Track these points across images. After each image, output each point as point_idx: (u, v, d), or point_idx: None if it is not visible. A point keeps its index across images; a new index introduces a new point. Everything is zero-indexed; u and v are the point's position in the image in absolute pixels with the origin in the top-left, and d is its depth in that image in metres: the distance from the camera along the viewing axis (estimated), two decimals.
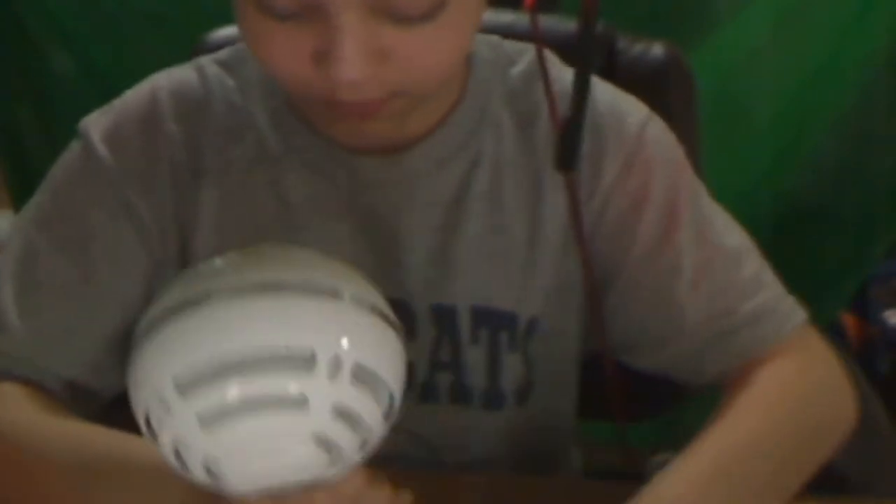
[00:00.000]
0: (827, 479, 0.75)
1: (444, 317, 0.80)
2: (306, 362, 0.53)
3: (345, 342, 0.54)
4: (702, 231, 0.80)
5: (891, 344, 1.77)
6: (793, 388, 0.77)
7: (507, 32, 0.83)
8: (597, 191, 0.80)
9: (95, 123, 0.80)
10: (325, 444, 0.54)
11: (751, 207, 1.56)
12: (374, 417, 0.55)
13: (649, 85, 0.86)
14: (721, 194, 0.83)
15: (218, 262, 0.59)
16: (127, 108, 0.81)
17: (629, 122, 0.80)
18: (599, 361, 0.81)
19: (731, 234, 0.82)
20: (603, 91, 0.82)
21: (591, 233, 0.80)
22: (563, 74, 0.80)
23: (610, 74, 0.87)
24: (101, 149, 0.78)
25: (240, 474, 0.54)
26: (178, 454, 0.55)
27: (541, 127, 0.81)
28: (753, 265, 0.81)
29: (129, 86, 0.83)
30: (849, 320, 1.79)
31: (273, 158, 0.79)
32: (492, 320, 0.81)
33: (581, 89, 0.72)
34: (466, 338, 0.81)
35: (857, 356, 1.73)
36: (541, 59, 0.77)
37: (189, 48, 0.99)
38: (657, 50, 1.02)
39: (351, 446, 0.55)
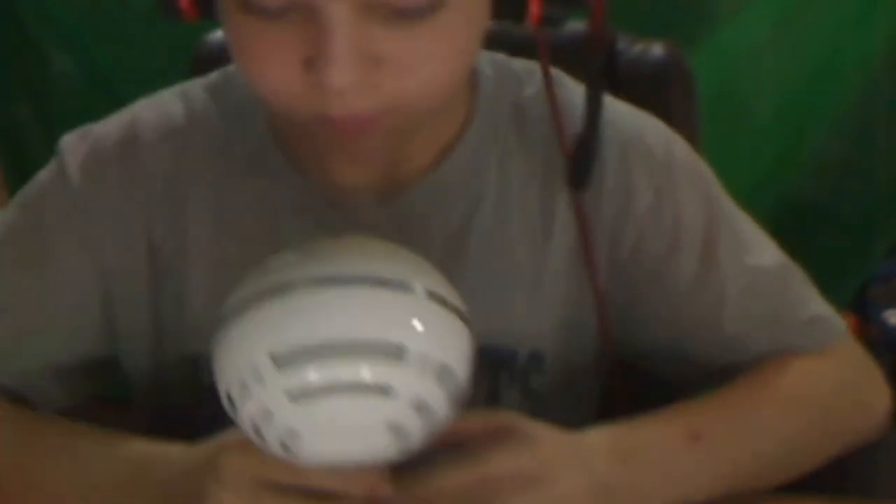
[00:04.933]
0: (827, 479, 0.75)
1: None
2: (396, 355, 0.55)
3: (433, 342, 0.57)
4: (741, 254, 0.78)
5: (891, 344, 1.77)
6: (821, 385, 0.77)
7: (506, 38, 0.82)
8: (629, 222, 0.76)
9: (73, 149, 0.77)
10: (399, 431, 0.57)
11: (751, 207, 1.55)
12: (445, 411, 0.58)
13: (649, 85, 0.86)
14: None
15: (309, 251, 0.60)
16: (106, 138, 0.78)
17: (655, 147, 0.78)
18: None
19: (767, 248, 0.80)
20: (622, 114, 0.78)
21: (627, 265, 0.77)
22: (572, 94, 0.77)
23: (610, 75, 0.87)
24: (76, 178, 0.76)
25: (314, 450, 0.57)
26: (257, 428, 0.57)
27: (552, 155, 0.76)
28: (794, 279, 0.80)
29: (129, 86, 0.82)
30: (849, 320, 1.78)
31: (263, 200, 0.76)
32: (491, 358, 0.77)
33: (593, 107, 0.70)
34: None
35: None
36: (548, 83, 0.73)
37: (189, 48, 0.99)
38: (657, 50, 1.02)
39: (420, 436, 0.58)
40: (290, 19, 0.60)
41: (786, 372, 0.76)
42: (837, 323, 0.81)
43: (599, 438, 0.69)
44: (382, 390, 0.55)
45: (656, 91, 0.84)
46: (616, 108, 0.78)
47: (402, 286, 0.57)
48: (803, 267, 0.82)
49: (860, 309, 1.79)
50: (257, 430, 0.57)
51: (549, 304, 0.77)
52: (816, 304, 0.80)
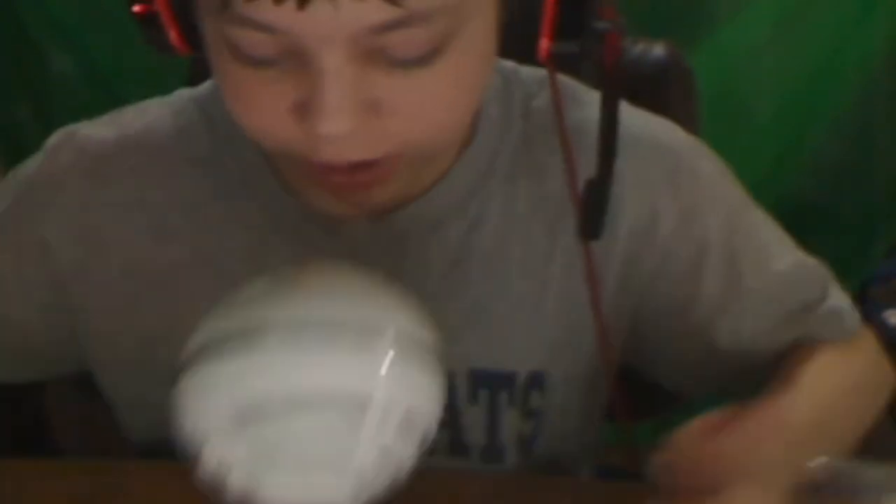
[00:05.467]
0: None
1: None
2: (361, 405, 0.54)
3: (399, 387, 0.55)
4: (763, 263, 0.78)
5: (891, 344, 1.76)
6: (846, 379, 0.78)
7: None
8: (651, 245, 0.75)
9: (58, 150, 0.76)
10: (363, 477, 0.56)
11: None
12: (410, 456, 0.57)
13: (649, 85, 0.86)
14: None
15: (273, 287, 0.58)
16: (88, 146, 0.76)
17: (679, 164, 0.76)
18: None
19: (786, 249, 0.80)
20: (642, 127, 0.75)
21: (648, 286, 0.77)
22: (586, 110, 0.73)
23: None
24: (52, 183, 0.75)
25: (275, 494, 0.56)
26: (216, 474, 0.56)
27: (560, 175, 0.72)
28: (812, 276, 0.81)
29: (129, 86, 0.82)
30: None
31: (252, 222, 0.74)
32: (491, 381, 0.76)
33: (606, 153, 0.65)
34: (464, 400, 0.76)
35: None
36: (562, 128, 0.69)
37: None
38: (657, 50, 1.02)
39: (383, 482, 0.57)
40: (282, 65, 0.57)
41: (812, 364, 0.76)
42: (856, 315, 0.83)
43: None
44: (346, 440, 0.54)
45: (656, 91, 0.84)
46: (636, 119, 0.76)
47: (371, 330, 0.55)
48: None
49: (860, 309, 1.79)
50: (218, 479, 0.56)
51: (549, 326, 0.76)
52: (833, 299, 0.81)
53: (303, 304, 0.55)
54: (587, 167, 0.67)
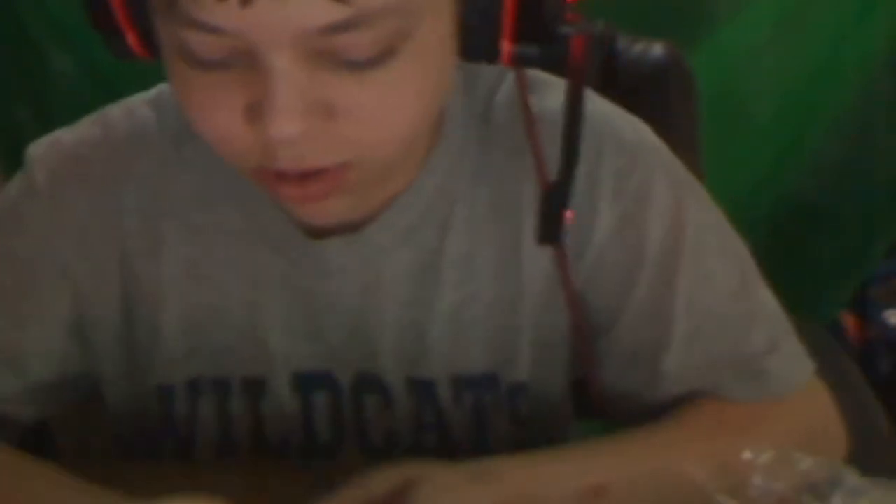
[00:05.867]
0: None
1: (422, 389, 0.76)
2: None
3: None
4: (700, 296, 0.73)
5: (891, 344, 1.77)
6: (744, 442, 0.70)
7: None
8: (589, 246, 0.72)
9: (41, 161, 0.74)
10: None
11: (751, 207, 1.56)
12: None
13: (649, 85, 0.86)
14: (721, 194, 0.83)
15: None
16: (75, 151, 0.74)
17: (632, 170, 0.72)
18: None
19: (740, 289, 0.74)
20: (607, 126, 0.72)
21: (585, 289, 0.74)
22: (546, 101, 0.71)
23: (610, 74, 0.87)
24: (45, 195, 0.74)
25: None
26: None
27: (522, 176, 0.71)
28: (761, 326, 0.74)
29: (129, 86, 0.82)
30: (849, 320, 1.78)
31: (238, 232, 0.73)
32: (472, 385, 0.76)
33: (569, 157, 0.63)
34: (449, 403, 0.76)
35: (857, 356, 1.73)
36: (528, 115, 0.69)
37: None
38: (657, 50, 1.02)
39: None
40: (232, 68, 0.57)
41: (717, 422, 0.72)
42: (792, 377, 0.75)
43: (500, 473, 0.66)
44: None
45: (656, 91, 0.83)
46: (603, 113, 0.74)
47: None
48: (803, 267, 0.82)
49: (860, 309, 1.79)
50: None
51: (525, 329, 0.75)
52: (776, 356, 0.74)
53: None
54: (550, 161, 0.67)
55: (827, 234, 1.65)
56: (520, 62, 0.60)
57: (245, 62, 0.56)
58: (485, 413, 0.77)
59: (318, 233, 0.72)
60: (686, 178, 0.75)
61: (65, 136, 0.76)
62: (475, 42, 0.60)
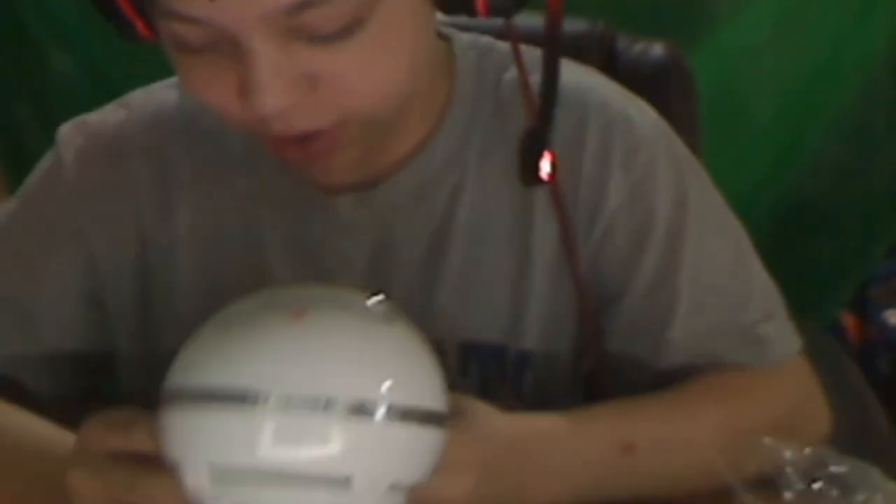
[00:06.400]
0: None
1: None
2: (343, 484, 0.54)
3: (385, 468, 0.55)
4: (704, 267, 0.77)
5: (891, 344, 1.77)
6: (755, 406, 0.75)
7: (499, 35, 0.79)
8: (599, 217, 0.76)
9: (70, 139, 0.79)
10: None
11: (751, 207, 1.56)
12: None
13: (649, 85, 0.86)
14: (721, 194, 0.83)
15: (272, 340, 0.56)
16: (100, 127, 0.79)
17: (640, 143, 0.76)
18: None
19: (738, 264, 0.78)
20: (615, 102, 0.77)
21: (594, 259, 0.76)
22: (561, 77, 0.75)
23: (610, 74, 0.87)
24: (71, 167, 0.78)
25: None
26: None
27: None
28: (759, 296, 0.78)
29: (129, 86, 0.83)
30: (849, 320, 1.79)
31: (248, 196, 0.77)
32: (480, 354, 0.77)
33: (547, 99, 0.67)
34: (456, 374, 0.77)
35: (857, 356, 1.73)
36: (521, 71, 0.72)
37: None
38: (657, 50, 1.02)
39: None
40: (219, 51, 0.60)
41: (721, 387, 0.75)
42: (787, 346, 0.79)
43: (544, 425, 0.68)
44: None
45: (656, 91, 0.83)
46: (605, 91, 0.78)
47: (361, 409, 0.53)
48: (803, 267, 0.82)
49: (860, 309, 1.80)
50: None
51: (534, 298, 0.77)
52: (771, 325, 0.78)
53: (298, 375, 0.54)
54: (553, 133, 0.70)
55: (827, 234, 1.65)
56: (495, 12, 0.63)
57: (227, 45, 0.60)
58: (490, 385, 0.78)
59: (331, 191, 0.75)
60: (687, 156, 0.79)
61: (91, 117, 0.81)
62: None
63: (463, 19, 0.76)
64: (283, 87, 0.59)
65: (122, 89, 0.83)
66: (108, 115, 0.80)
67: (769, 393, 0.76)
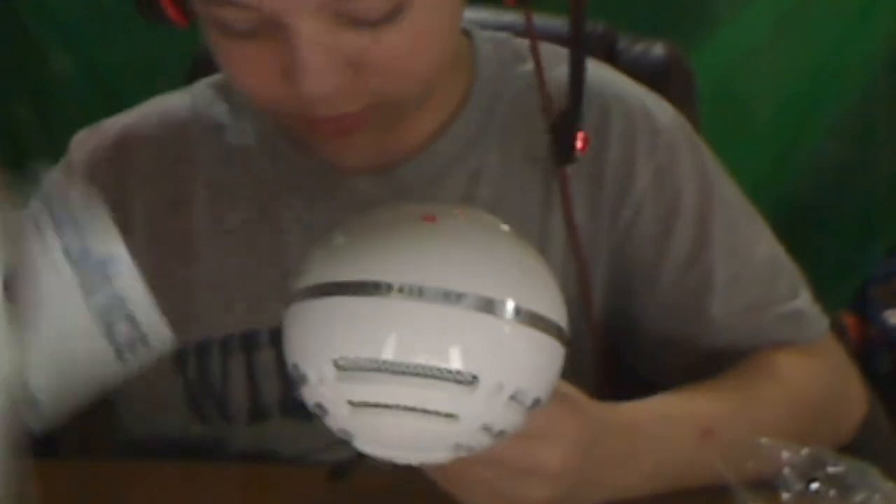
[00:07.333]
0: None
1: None
2: (469, 383, 0.52)
3: (510, 370, 0.54)
4: (734, 244, 0.79)
5: (891, 344, 1.77)
6: (812, 383, 0.77)
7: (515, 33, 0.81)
8: (627, 200, 0.77)
9: (81, 143, 0.81)
10: (462, 449, 0.55)
11: None
12: (514, 427, 0.56)
13: (649, 85, 0.86)
14: None
15: (404, 240, 0.55)
16: (110, 129, 0.81)
17: (661, 128, 0.79)
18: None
19: (761, 239, 0.81)
20: (629, 89, 0.80)
21: (622, 242, 0.78)
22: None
23: None
24: (79, 169, 0.79)
25: (370, 450, 0.55)
26: (318, 407, 0.55)
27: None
28: (784, 273, 0.80)
29: (129, 86, 0.83)
30: (849, 320, 1.79)
31: (264, 182, 0.78)
32: None
33: (576, 80, 0.70)
34: None
35: (857, 356, 1.73)
36: (538, 60, 0.75)
37: (189, 49, 0.99)
38: (657, 50, 1.02)
39: (485, 447, 0.56)
40: (263, 35, 0.61)
41: (776, 367, 0.76)
42: (821, 321, 0.82)
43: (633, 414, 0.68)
44: (449, 417, 0.53)
45: (656, 91, 0.84)
46: (624, 84, 0.80)
47: (490, 307, 0.52)
48: (803, 267, 0.82)
49: (860, 309, 1.80)
50: (319, 410, 0.55)
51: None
52: (801, 301, 0.81)
53: (429, 269, 0.53)
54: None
55: (827, 234, 1.65)
56: (524, 2, 0.66)
57: (273, 29, 0.60)
58: None
59: (350, 174, 0.76)
60: (699, 141, 0.82)
61: (104, 122, 0.82)
62: None
63: (481, 17, 0.80)
64: (330, 71, 0.61)
65: (122, 89, 0.83)
66: (119, 118, 0.82)
67: (815, 369, 0.78)
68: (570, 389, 0.62)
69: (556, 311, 0.56)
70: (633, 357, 0.82)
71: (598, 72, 0.80)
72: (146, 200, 0.79)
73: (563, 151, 0.72)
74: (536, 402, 0.55)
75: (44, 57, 1.61)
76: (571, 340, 0.79)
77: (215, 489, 0.72)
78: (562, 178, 0.76)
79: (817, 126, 1.62)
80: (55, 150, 0.82)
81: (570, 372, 0.79)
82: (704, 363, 0.77)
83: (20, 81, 1.64)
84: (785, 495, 0.62)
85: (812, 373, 0.78)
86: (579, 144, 0.72)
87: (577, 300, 0.78)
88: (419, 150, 0.77)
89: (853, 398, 0.81)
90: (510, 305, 0.53)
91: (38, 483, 0.74)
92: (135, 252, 0.77)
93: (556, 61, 0.76)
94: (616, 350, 0.82)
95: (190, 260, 0.78)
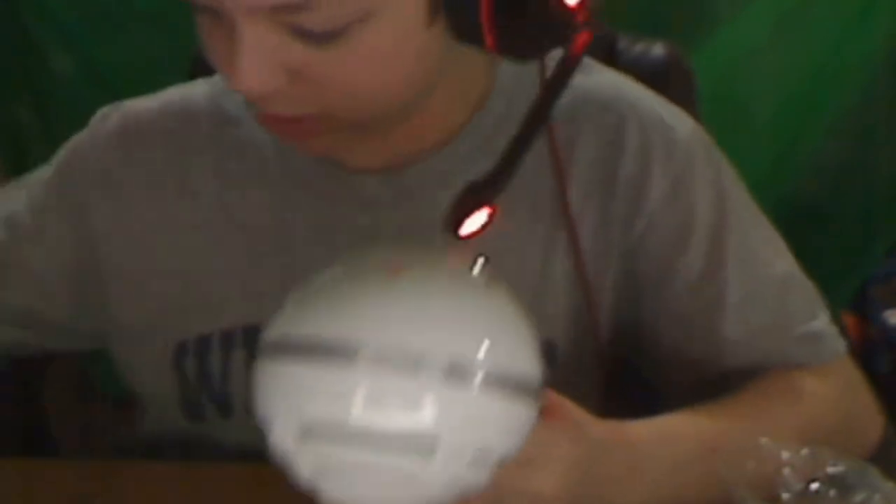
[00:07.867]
0: None
1: None
2: (429, 448, 0.53)
3: (475, 433, 0.54)
4: (748, 263, 0.77)
5: (891, 344, 1.77)
6: (823, 405, 0.75)
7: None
8: (641, 211, 0.77)
9: (102, 117, 0.81)
10: (427, 501, 0.55)
11: None
12: (479, 482, 0.55)
13: (649, 85, 0.86)
14: None
15: (368, 293, 0.55)
16: (128, 112, 0.81)
17: (678, 137, 0.78)
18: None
19: (777, 257, 0.79)
20: (646, 99, 0.79)
21: (634, 254, 0.77)
22: (594, 77, 0.78)
23: None
24: (90, 146, 0.80)
25: (333, 498, 0.55)
26: (283, 461, 0.55)
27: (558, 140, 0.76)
28: (800, 293, 0.79)
29: (129, 86, 0.83)
30: (849, 320, 1.78)
31: (272, 177, 0.78)
32: None
33: (531, 124, 0.66)
34: None
35: (857, 356, 1.73)
36: (541, 67, 0.73)
37: (189, 48, 0.99)
38: (657, 50, 1.02)
39: (450, 499, 0.55)
40: (226, 19, 0.61)
41: (790, 389, 0.75)
42: (837, 343, 0.80)
43: (636, 432, 0.67)
44: (410, 476, 0.53)
45: (656, 91, 0.83)
46: (641, 93, 0.80)
47: (456, 371, 0.52)
48: (803, 267, 0.82)
49: (860, 309, 1.80)
50: (283, 462, 0.56)
51: (559, 291, 0.77)
52: (818, 322, 0.79)
53: (395, 330, 0.53)
54: (591, 134, 0.75)
55: (827, 234, 1.65)
56: (505, 52, 0.63)
57: (230, 17, 0.60)
58: None
59: (355, 173, 0.76)
60: (718, 154, 0.81)
61: (129, 101, 0.83)
62: (463, 29, 0.62)
63: None
64: (263, 73, 0.60)
65: (122, 89, 0.83)
66: (141, 101, 0.82)
67: (829, 390, 0.76)
68: (570, 408, 0.62)
69: (528, 367, 0.55)
70: (647, 371, 0.82)
71: (614, 81, 0.80)
72: (156, 188, 0.79)
73: (453, 223, 0.64)
74: (502, 459, 0.55)
75: (44, 57, 1.61)
76: (574, 360, 0.79)
77: (215, 489, 0.71)
78: (560, 184, 0.75)
79: (817, 126, 1.62)
80: (55, 151, 0.82)
81: (575, 388, 0.80)
82: (717, 381, 0.76)
83: (20, 81, 1.64)
84: (785, 495, 0.62)
85: (826, 394, 0.76)
86: (482, 220, 0.64)
87: (583, 311, 0.78)
88: (430, 151, 0.76)
89: (868, 420, 0.80)
90: (477, 370, 0.53)
91: (38, 483, 0.74)
92: (136, 240, 0.78)
93: (580, 70, 0.74)
94: (625, 366, 0.81)
95: (194, 252, 0.78)
